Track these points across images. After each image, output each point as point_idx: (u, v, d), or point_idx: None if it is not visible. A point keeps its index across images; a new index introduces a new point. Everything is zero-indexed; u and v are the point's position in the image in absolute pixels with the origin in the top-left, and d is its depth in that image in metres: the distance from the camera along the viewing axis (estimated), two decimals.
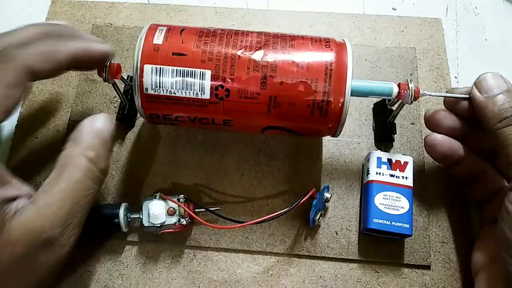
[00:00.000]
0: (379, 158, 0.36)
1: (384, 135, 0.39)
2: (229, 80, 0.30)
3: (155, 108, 0.32)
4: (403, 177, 0.36)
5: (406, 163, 0.36)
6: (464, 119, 0.35)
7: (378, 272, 0.36)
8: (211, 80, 0.30)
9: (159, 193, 0.34)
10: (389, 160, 0.36)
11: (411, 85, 0.33)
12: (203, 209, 0.35)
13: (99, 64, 0.33)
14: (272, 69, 0.30)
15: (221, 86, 0.30)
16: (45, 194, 0.26)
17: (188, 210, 0.34)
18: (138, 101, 0.31)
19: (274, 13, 0.45)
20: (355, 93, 0.32)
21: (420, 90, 0.33)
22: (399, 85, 0.34)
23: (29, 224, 0.25)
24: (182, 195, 0.34)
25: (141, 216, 0.34)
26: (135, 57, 0.30)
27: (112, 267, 0.35)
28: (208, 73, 0.30)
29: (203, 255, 0.36)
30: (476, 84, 0.32)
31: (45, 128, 0.39)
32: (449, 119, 0.35)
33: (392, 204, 0.35)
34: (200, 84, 0.30)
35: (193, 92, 0.31)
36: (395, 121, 0.39)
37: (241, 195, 0.37)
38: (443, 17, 0.46)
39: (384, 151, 0.37)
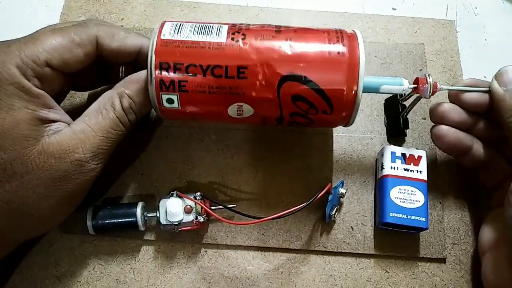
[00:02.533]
0: (393, 153, 0.36)
1: (397, 130, 0.39)
2: (245, 28, 0.32)
3: (168, 54, 0.31)
4: (417, 171, 0.36)
5: (420, 157, 0.36)
6: (469, 110, 0.35)
7: (388, 272, 0.36)
8: (228, 29, 0.32)
9: (175, 191, 0.34)
10: (403, 155, 0.36)
11: (429, 80, 0.33)
12: (219, 207, 0.35)
13: (117, 64, 0.33)
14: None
15: (238, 31, 0.31)
16: (83, 122, 0.30)
17: (205, 207, 0.34)
18: (152, 46, 0.31)
19: (288, 12, 0.45)
20: (367, 87, 0.33)
21: (438, 85, 0.33)
22: (417, 80, 0.34)
23: (64, 141, 0.29)
24: (198, 193, 0.34)
25: (158, 215, 0.34)
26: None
27: (124, 261, 0.35)
28: (225, 26, 0.32)
29: (214, 251, 0.36)
30: (497, 76, 0.33)
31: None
32: (454, 112, 0.35)
33: (407, 198, 0.35)
34: (217, 28, 0.32)
35: (210, 36, 0.31)
36: (408, 117, 0.39)
37: (256, 192, 0.37)
38: (443, 17, 0.46)
39: (397, 146, 0.37)
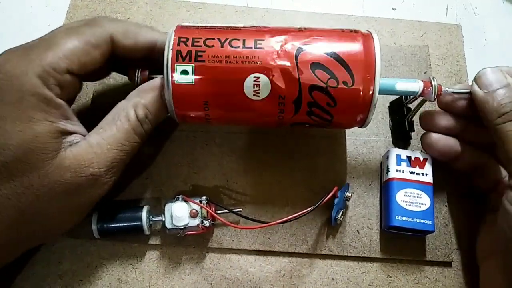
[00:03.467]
0: (398, 156, 0.36)
1: (402, 133, 0.39)
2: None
3: (186, 32, 0.32)
4: (423, 173, 0.36)
5: (425, 160, 0.36)
6: (459, 116, 0.35)
7: (390, 277, 0.36)
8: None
9: (181, 195, 0.34)
10: (409, 158, 0.36)
11: (434, 83, 0.33)
12: (225, 211, 0.35)
13: (131, 69, 0.33)
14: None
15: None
16: (98, 135, 0.30)
17: (211, 211, 0.34)
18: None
19: (294, 13, 0.45)
20: (383, 89, 0.33)
21: (442, 88, 0.33)
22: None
23: (80, 156, 0.28)
24: (204, 197, 0.34)
25: (163, 219, 0.34)
26: None
27: (126, 260, 0.35)
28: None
29: (216, 253, 0.36)
30: (476, 79, 0.33)
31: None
32: (442, 119, 0.35)
33: (413, 201, 0.35)
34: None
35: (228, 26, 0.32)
36: (413, 120, 0.39)
37: (261, 196, 0.37)
38: (443, 17, 0.46)
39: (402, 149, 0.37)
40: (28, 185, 0.27)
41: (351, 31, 0.33)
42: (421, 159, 0.36)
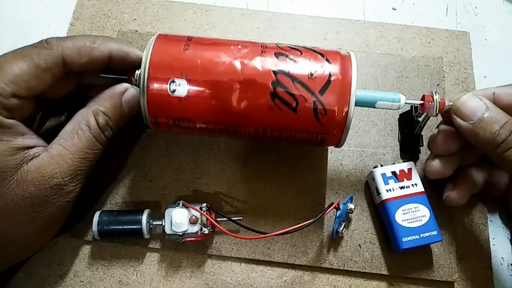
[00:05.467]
0: (383, 175, 0.35)
1: (410, 147, 0.38)
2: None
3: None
4: (412, 185, 0.35)
5: (409, 169, 0.35)
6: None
7: (393, 285, 0.35)
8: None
9: (182, 201, 0.34)
10: (393, 173, 0.35)
11: (436, 97, 0.32)
12: (225, 219, 0.35)
13: (130, 71, 0.33)
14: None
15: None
16: (59, 145, 0.30)
17: (210, 219, 0.33)
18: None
19: (300, 17, 0.45)
20: (360, 103, 0.32)
21: (446, 102, 0.32)
22: (423, 97, 0.33)
23: (42, 168, 0.28)
24: (204, 204, 0.34)
25: (163, 224, 0.34)
26: None
27: (127, 262, 0.35)
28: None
29: (217, 258, 0.36)
30: (455, 112, 0.31)
31: None
32: (444, 144, 0.34)
33: (413, 217, 0.34)
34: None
35: None
36: (422, 133, 0.38)
37: (263, 205, 0.37)
38: (443, 17, 0.46)
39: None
40: None
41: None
42: (406, 169, 0.35)
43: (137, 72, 0.32)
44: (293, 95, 0.30)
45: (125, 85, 0.33)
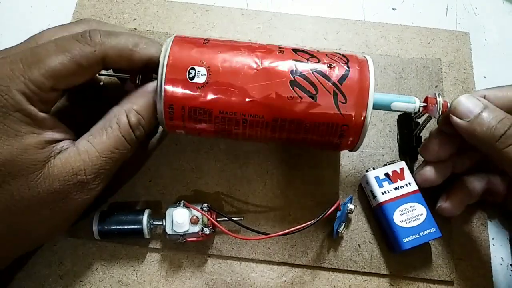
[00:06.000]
0: (377, 178, 0.36)
1: (409, 148, 0.38)
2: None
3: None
4: (406, 184, 0.35)
5: (402, 169, 0.36)
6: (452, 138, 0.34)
7: (392, 286, 0.35)
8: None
9: (182, 201, 0.34)
10: (387, 175, 0.36)
11: (439, 99, 0.32)
12: (226, 219, 0.35)
13: (132, 72, 0.33)
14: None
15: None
16: (87, 141, 0.30)
17: (211, 219, 0.33)
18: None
19: (300, 17, 0.45)
20: (378, 104, 0.32)
21: (448, 104, 0.33)
22: (426, 99, 0.33)
23: (68, 163, 0.28)
24: (205, 204, 0.34)
25: (164, 224, 0.34)
26: None
27: (127, 262, 0.35)
28: None
29: (217, 257, 0.36)
30: (452, 111, 0.32)
31: None
32: (437, 150, 0.34)
33: (411, 217, 0.34)
34: None
35: None
36: (421, 134, 0.38)
37: (264, 205, 0.37)
38: (443, 17, 0.46)
39: (409, 163, 0.37)
40: (19, 198, 0.27)
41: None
42: (398, 169, 0.36)
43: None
44: (313, 83, 0.30)
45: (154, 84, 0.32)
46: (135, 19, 0.44)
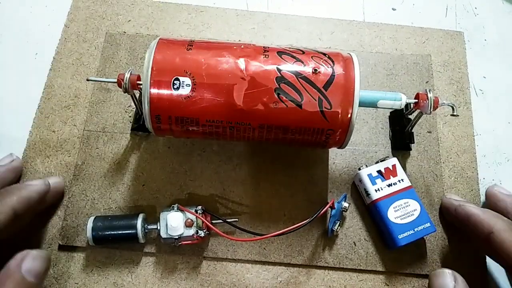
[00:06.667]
0: (370, 175, 0.36)
1: (402, 144, 0.39)
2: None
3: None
4: (399, 181, 0.36)
5: (394, 166, 0.36)
6: None
7: (388, 285, 0.35)
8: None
9: (176, 204, 0.34)
10: (379, 172, 0.36)
11: (430, 95, 0.33)
12: (220, 221, 0.34)
13: (120, 74, 0.32)
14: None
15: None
16: None
17: (206, 222, 0.33)
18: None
19: (295, 18, 0.45)
20: (362, 104, 0.33)
21: (439, 100, 0.33)
22: (417, 96, 0.33)
23: None
24: (199, 207, 0.34)
25: (158, 228, 0.33)
26: None
27: (122, 264, 0.35)
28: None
29: (212, 259, 0.36)
30: (428, 284, 0.32)
31: (63, 122, 0.39)
32: None
33: (405, 213, 0.35)
34: None
35: None
36: (413, 130, 0.39)
37: (258, 205, 0.37)
38: (442, 17, 0.46)
39: (401, 160, 0.37)
40: None
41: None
42: (390, 166, 0.36)
43: (126, 75, 0.32)
44: (298, 90, 0.30)
45: (25, 254, 0.29)
46: (129, 20, 0.44)
